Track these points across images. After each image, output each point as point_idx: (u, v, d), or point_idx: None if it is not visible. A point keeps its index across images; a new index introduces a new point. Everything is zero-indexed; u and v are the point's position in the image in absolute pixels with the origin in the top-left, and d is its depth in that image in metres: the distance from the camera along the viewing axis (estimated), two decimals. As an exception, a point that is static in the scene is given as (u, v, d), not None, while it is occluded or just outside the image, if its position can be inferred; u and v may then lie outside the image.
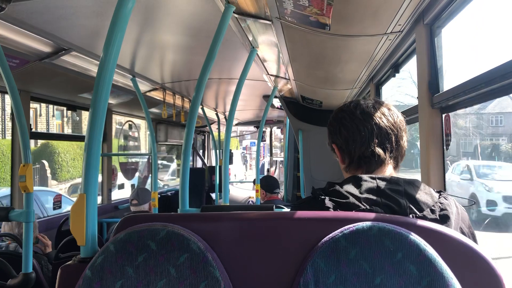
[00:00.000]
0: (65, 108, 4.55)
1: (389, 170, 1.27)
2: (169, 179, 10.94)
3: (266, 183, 4.88)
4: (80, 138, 6.65)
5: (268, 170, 10.14)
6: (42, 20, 2.40)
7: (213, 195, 7.43)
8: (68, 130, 16.71)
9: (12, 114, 3.15)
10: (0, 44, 2.35)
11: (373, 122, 1.27)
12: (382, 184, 1.17)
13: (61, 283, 1.14)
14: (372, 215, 1.08)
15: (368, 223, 1.03)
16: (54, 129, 16.99)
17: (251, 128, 10.64)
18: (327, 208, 1.16)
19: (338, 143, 1.32)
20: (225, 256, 1.10)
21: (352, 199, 1.15)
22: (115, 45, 1.28)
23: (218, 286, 1.03)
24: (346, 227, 1.04)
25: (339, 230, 1.04)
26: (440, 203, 1.15)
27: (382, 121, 1.27)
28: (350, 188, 1.18)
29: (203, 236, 1.11)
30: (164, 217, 1.17)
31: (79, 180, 11.28)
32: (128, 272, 1.04)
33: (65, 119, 16.77)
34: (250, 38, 2.63)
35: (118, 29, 1.28)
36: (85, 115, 13.36)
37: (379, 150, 1.25)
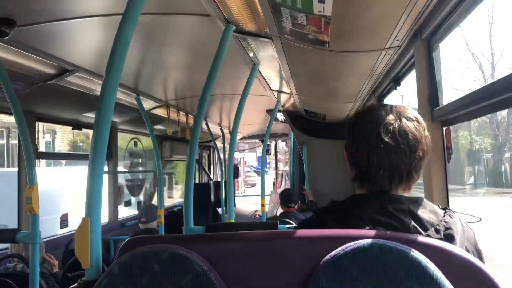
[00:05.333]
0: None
1: (398, 192, 1.20)
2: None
3: (282, 197, 4.98)
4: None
5: (273, 184, 10.11)
6: (47, 44, 2.44)
7: (220, 210, 7.42)
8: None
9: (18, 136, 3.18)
10: (5, 67, 2.38)
11: (384, 155, 1.15)
12: (385, 202, 1.15)
13: None
14: (372, 232, 1.08)
15: (369, 241, 1.03)
16: None
17: (250, 141, 10.62)
18: (330, 228, 1.16)
19: (348, 154, 1.25)
20: (228, 276, 1.11)
21: (355, 219, 1.14)
22: (118, 67, 1.30)
23: None
24: (347, 245, 1.04)
25: (340, 248, 1.04)
26: (445, 221, 1.13)
27: (397, 156, 1.15)
28: (353, 207, 1.17)
29: (207, 257, 1.12)
30: (167, 239, 1.18)
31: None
32: None
33: None
34: (251, 55, 2.66)
35: (120, 52, 1.31)
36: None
37: (383, 182, 1.18)
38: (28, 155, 2.44)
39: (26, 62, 2.59)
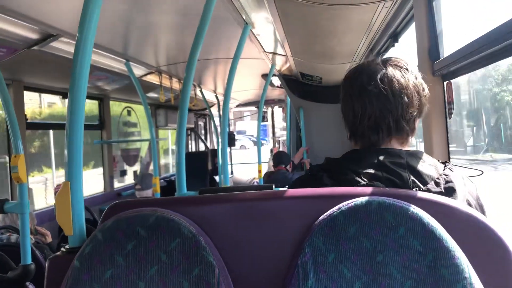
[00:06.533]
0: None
1: (392, 145, 1.16)
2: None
3: (273, 159, 4.97)
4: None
5: (271, 151, 10.09)
6: (26, 5, 2.32)
7: (217, 178, 7.43)
8: None
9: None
10: None
11: (367, 104, 1.12)
12: (382, 157, 1.10)
13: (50, 275, 1.09)
14: (370, 189, 1.02)
15: (367, 198, 0.97)
16: None
17: (251, 109, 10.55)
18: (326, 185, 1.10)
19: (342, 112, 1.23)
20: (219, 239, 1.05)
21: (351, 175, 1.08)
22: (91, 24, 1.19)
23: (212, 271, 0.98)
24: (344, 203, 0.98)
25: (336, 207, 0.98)
26: (445, 175, 1.08)
27: (380, 103, 1.11)
28: (348, 163, 1.12)
29: (196, 220, 1.06)
30: (153, 202, 1.12)
31: None
32: (117, 261, 0.99)
33: None
34: (243, 15, 2.55)
35: (93, 5, 1.19)
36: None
37: (370, 133, 1.14)
38: (12, 123, 2.36)
39: (5, 26, 2.47)
